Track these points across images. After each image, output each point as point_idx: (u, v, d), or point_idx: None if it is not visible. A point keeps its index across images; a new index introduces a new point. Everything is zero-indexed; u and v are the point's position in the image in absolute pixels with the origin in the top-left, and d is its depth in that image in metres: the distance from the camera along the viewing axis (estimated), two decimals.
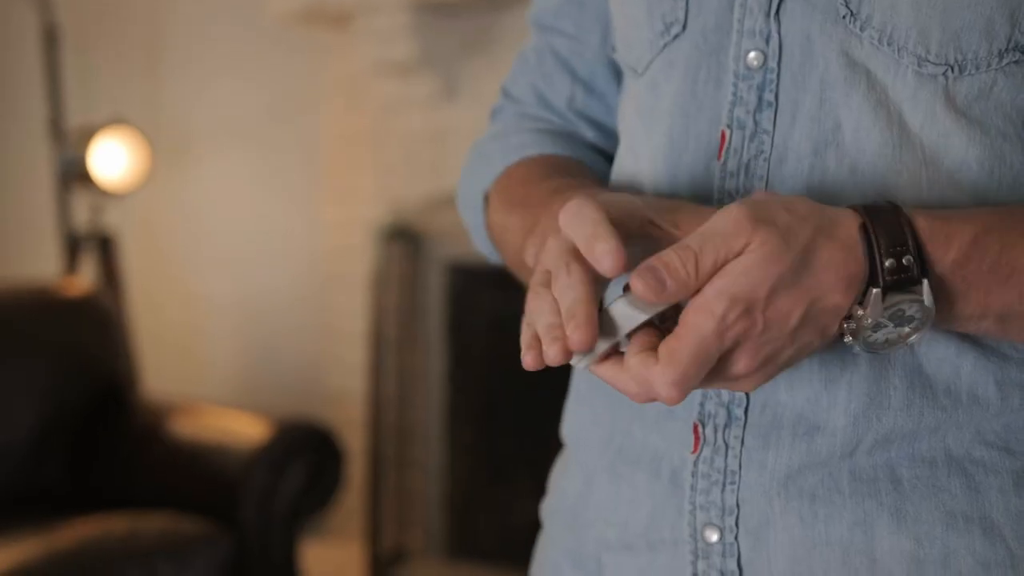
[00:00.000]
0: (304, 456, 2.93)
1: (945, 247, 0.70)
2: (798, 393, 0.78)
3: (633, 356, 0.69)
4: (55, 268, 3.76)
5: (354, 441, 3.46)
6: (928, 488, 0.77)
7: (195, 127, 3.96)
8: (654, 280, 0.67)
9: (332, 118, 3.62)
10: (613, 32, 0.94)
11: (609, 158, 0.98)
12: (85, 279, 3.48)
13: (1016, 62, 0.75)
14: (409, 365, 3.43)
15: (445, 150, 3.37)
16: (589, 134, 1.00)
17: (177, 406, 3.14)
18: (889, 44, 0.75)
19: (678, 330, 0.68)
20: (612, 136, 0.99)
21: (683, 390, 0.67)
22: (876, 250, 0.69)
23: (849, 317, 0.70)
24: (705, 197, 0.80)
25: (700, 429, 0.81)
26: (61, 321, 3.17)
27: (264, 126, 3.81)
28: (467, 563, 3.43)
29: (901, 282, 0.69)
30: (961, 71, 0.75)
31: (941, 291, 0.71)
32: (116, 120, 3.45)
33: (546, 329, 0.70)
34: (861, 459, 0.78)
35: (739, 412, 0.80)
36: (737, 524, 0.80)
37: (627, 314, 0.70)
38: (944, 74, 0.75)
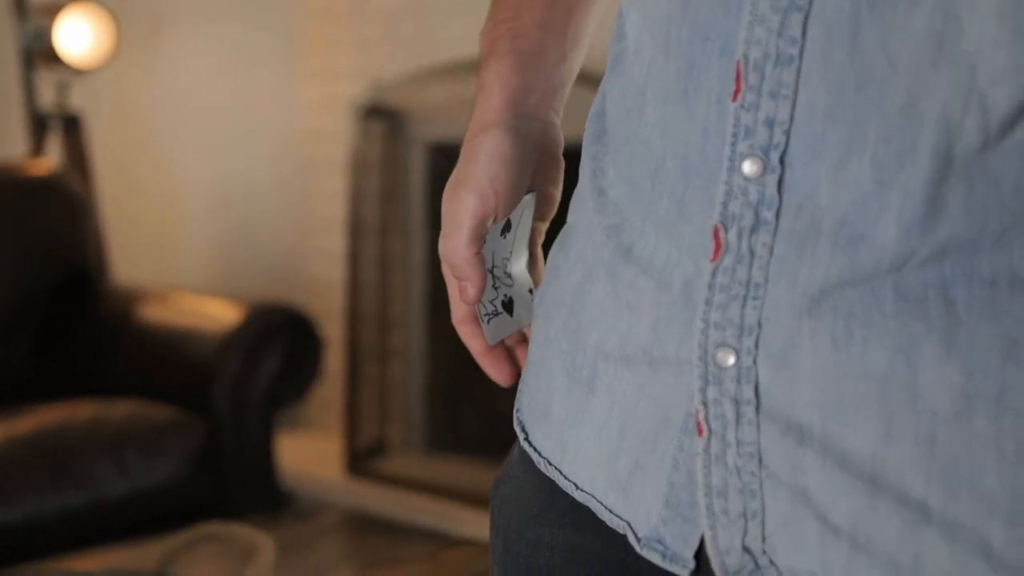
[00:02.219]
0: (280, 341, 2.87)
1: None
2: (842, 195, 0.68)
3: None
4: (21, 149, 3.67)
5: (332, 331, 3.40)
6: (986, 310, 0.67)
7: (166, 1, 3.87)
8: None
9: None
10: None
11: None
12: (52, 160, 3.39)
13: None
14: (390, 251, 3.37)
15: (427, 24, 3.28)
16: None
17: (148, 292, 3.09)
18: None
19: None
20: None
21: None
22: None
23: None
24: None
25: (722, 233, 0.70)
26: (27, 202, 3.09)
27: (239, 3, 3.71)
28: (448, 456, 3.42)
29: None
30: None
31: None
32: None
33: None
34: (910, 274, 0.68)
35: (769, 215, 0.69)
36: (757, 346, 0.70)
37: None
38: None
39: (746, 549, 0.72)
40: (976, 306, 0.68)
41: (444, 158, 3.31)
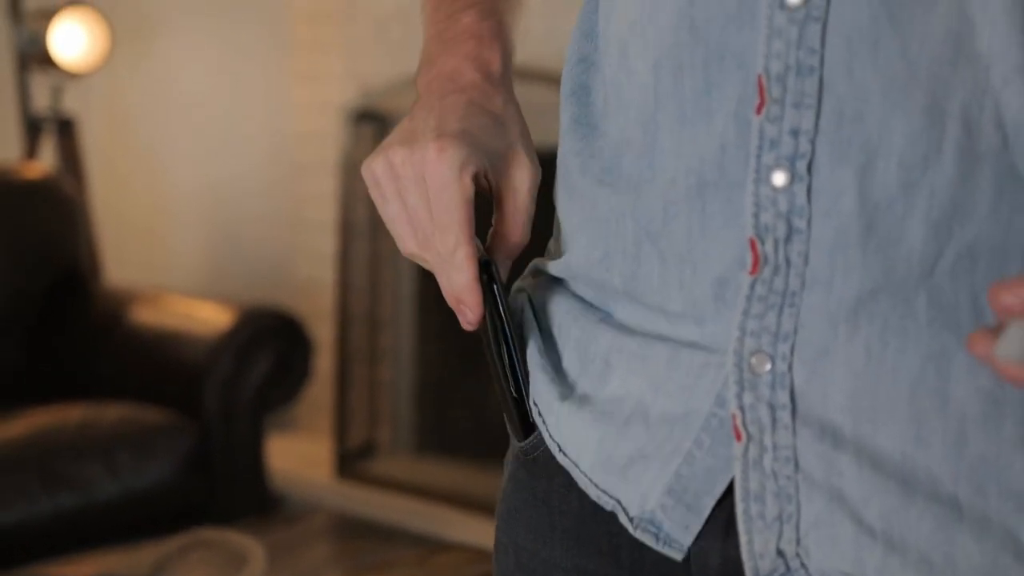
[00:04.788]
0: (270, 344, 2.89)
1: None
2: (869, 199, 0.69)
3: None
4: (15, 151, 3.68)
5: (323, 333, 3.41)
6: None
7: (160, 6, 3.87)
8: None
9: None
10: None
11: None
12: (45, 162, 3.40)
13: None
14: (379, 253, 3.37)
15: (417, 29, 3.21)
16: None
17: (140, 294, 3.10)
18: None
19: None
20: None
21: None
22: None
23: None
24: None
25: (759, 245, 0.71)
26: (20, 205, 3.11)
27: (231, 5, 3.72)
28: (437, 457, 3.42)
29: None
30: None
31: None
32: (75, 1, 3.37)
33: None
34: (942, 280, 0.70)
35: (801, 224, 0.70)
36: (792, 352, 0.72)
37: None
38: None
39: (779, 552, 0.73)
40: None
41: None
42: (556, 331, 0.83)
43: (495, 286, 0.80)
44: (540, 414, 0.82)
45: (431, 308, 3.36)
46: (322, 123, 3.48)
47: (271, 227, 3.70)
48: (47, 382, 2.97)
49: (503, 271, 0.81)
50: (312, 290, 3.55)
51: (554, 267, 0.84)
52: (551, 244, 0.88)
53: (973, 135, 0.68)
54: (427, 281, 3.33)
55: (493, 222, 0.81)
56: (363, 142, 3.30)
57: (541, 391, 0.82)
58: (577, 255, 0.82)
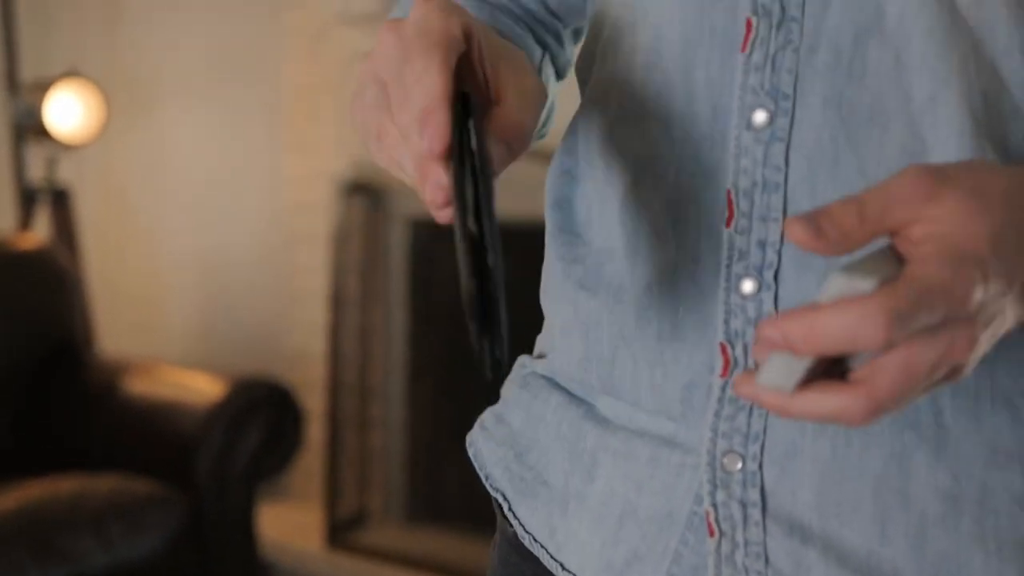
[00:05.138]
0: (262, 415, 2.90)
1: None
2: None
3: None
4: (10, 222, 3.71)
5: (314, 402, 3.42)
6: (971, 421, 0.72)
7: (154, 78, 3.91)
8: (810, 225, 0.60)
9: (294, 69, 3.57)
10: None
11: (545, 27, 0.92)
12: (40, 233, 3.43)
13: None
14: (370, 323, 3.40)
15: None
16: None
17: (132, 364, 3.11)
18: None
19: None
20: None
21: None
22: None
23: None
24: (726, 94, 0.74)
25: (729, 350, 0.75)
26: (14, 276, 3.12)
27: (224, 77, 3.76)
28: (428, 527, 3.42)
29: None
30: None
31: None
32: (72, 72, 3.41)
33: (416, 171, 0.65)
34: None
35: None
36: (762, 452, 0.75)
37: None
38: None
39: None
40: (962, 417, 0.72)
41: (426, 233, 3.33)
42: (544, 427, 0.85)
43: (469, 120, 0.66)
44: (536, 540, 0.84)
45: (421, 378, 3.38)
46: (314, 194, 3.51)
47: (263, 297, 3.72)
48: (40, 453, 2.97)
49: (495, 161, 0.68)
50: (303, 359, 3.56)
51: (540, 366, 0.87)
52: (539, 340, 0.91)
53: None
54: (417, 351, 3.36)
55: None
56: (355, 214, 3.32)
57: (537, 518, 0.84)
58: (559, 357, 0.85)
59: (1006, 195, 0.62)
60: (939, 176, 0.61)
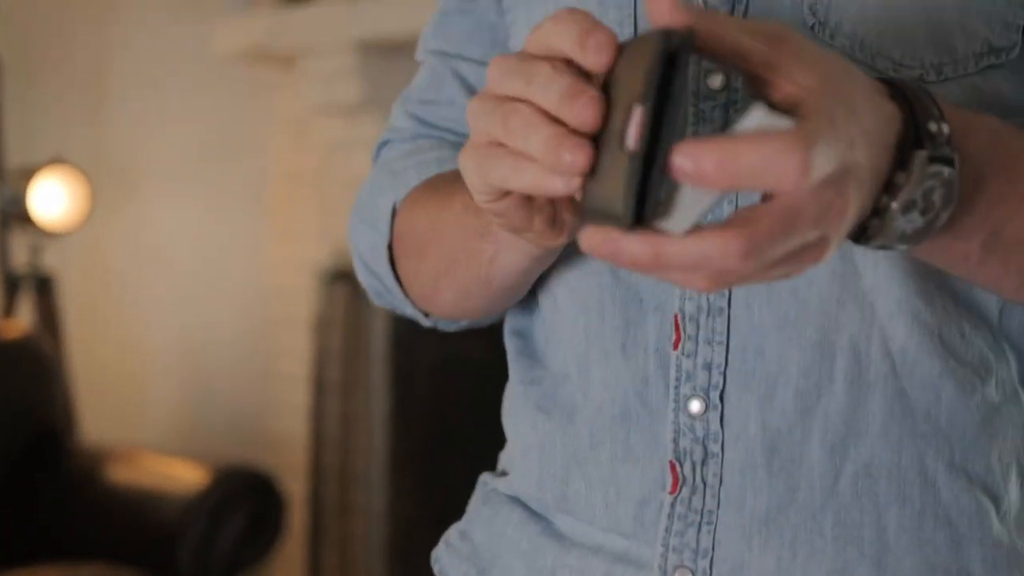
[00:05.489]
0: (244, 504, 2.90)
1: (964, 133, 0.66)
2: (771, 424, 0.76)
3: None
4: None
5: (295, 486, 3.42)
6: (913, 540, 0.76)
7: (139, 166, 3.94)
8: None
9: (277, 158, 3.60)
10: None
11: None
12: (23, 321, 3.43)
13: (992, 66, 0.74)
14: (352, 409, 3.41)
15: None
16: None
17: (114, 452, 3.11)
18: (862, 50, 0.74)
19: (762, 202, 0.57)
20: None
21: (756, 260, 0.56)
22: (917, 113, 0.63)
23: (887, 189, 0.62)
24: None
25: (678, 468, 0.78)
26: None
27: (208, 166, 3.78)
28: None
29: (939, 152, 0.62)
30: (939, 74, 0.73)
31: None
32: (57, 159, 3.42)
33: (550, 141, 0.58)
34: (845, 498, 0.76)
35: (715, 447, 0.77)
36: (711, 566, 0.78)
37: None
38: (922, 77, 0.73)
39: None
40: (904, 535, 0.75)
41: (407, 322, 3.33)
42: (506, 544, 0.88)
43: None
44: None
45: (402, 465, 3.38)
46: (296, 280, 3.53)
47: (245, 381, 3.73)
48: (21, 542, 2.97)
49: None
50: (285, 444, 3.57)
51: (502, 484, 0.91)
52: (502, 456, 0.94)
53: (862, 364, 0.75)
54: (398, 438, 3.36)
55: None
56: (336, 302, 3.34)
57: None
58: (519, 476, 0.88)
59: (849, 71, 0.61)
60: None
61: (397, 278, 0.92)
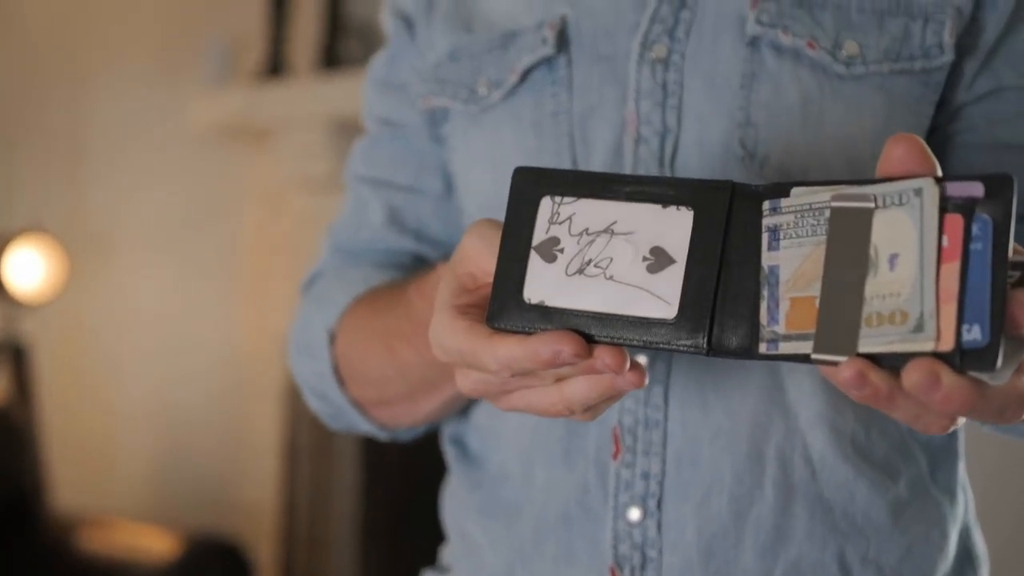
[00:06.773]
0: (214, 573, 2.91)
1: None
2: (707, 530, 0.80)
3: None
4: None
5: (266, 554, 3.43)
6: None
7: (115, 233, 3.95)
8: None
9: (250, 229, 3.63)
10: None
11: None
12: None
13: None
14: (322, 476, 3.41)
15: None
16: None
17: (86, 520, 3.11)
18: (787, 178, 0.78)
19: None
20: None
21: None
22: None
23: None
24: None
25: (617, 572, 0.81)
26: None
27: (183, 236, 3.81)
28: None
29: None
30: None
31: None
32: (33, 228, 3.43)
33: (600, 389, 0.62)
34: None
35: (653, 553, 0.81)
36: None
37: None
38: None
39: None
40: None
41: None
42: None
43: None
44: None
45: (374, 532, 3.39)
46: (268, 347, 3.54)
47: (217, 447, 3.73)
48: None
49: None
50: (256, 511, 3.57)
51: None
52: (443, 552, 0.97)
53: (787, 470, 0.79)
54: (369, 505, 3.37)
55: None
56: None
57: None
58: (463, 574, 0.92)
59: None
60: None
61: (349, 398, 0.95)
